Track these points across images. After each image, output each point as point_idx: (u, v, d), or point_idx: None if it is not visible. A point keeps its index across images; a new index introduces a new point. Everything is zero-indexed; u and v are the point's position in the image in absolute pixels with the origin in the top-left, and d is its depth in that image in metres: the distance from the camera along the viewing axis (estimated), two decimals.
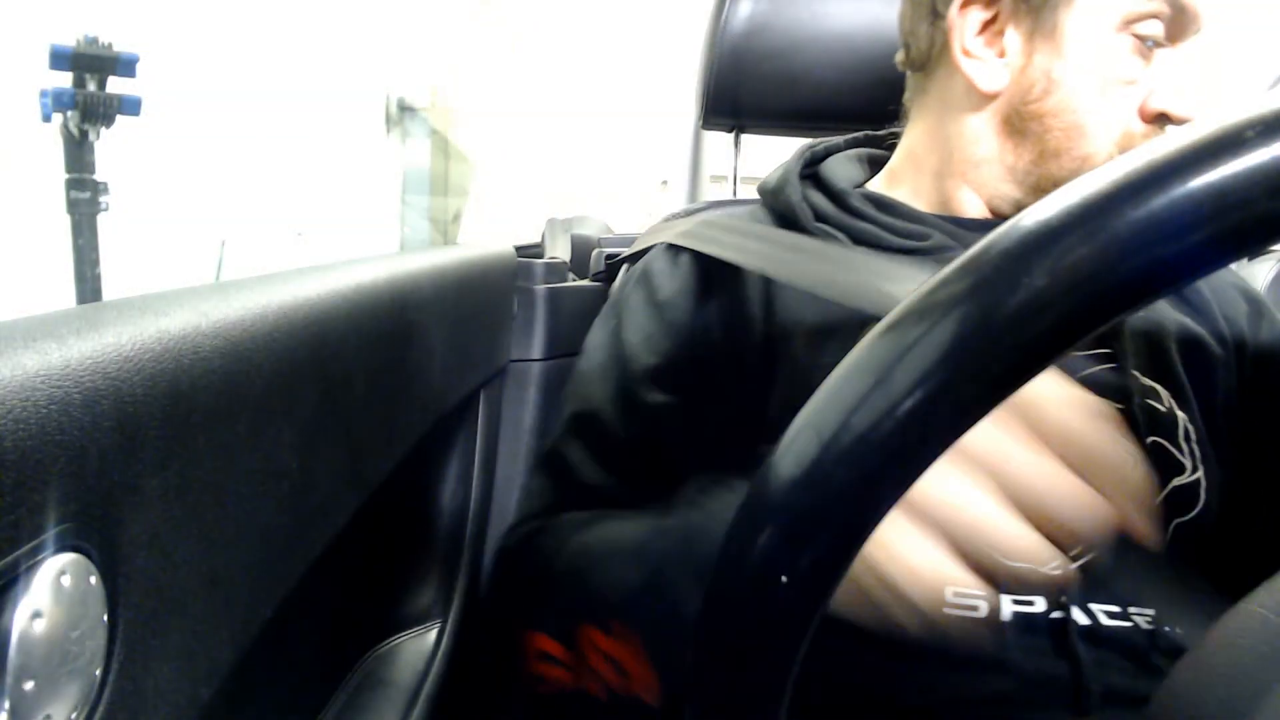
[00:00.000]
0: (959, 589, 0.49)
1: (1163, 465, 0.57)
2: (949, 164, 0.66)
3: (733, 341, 0.64)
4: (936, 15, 0.64)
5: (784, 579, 0.24)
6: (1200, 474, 0.58)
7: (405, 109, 2.84)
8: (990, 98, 0.62)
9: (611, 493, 0.65)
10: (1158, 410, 0.59)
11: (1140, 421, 0.57)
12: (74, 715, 0.27)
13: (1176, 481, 0.57)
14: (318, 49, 2.39)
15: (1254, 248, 0.21)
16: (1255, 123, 0.20)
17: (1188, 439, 0.59)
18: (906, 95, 0.72)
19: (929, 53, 0.66)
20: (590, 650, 0.51)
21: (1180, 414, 0.59)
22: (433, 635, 0.73)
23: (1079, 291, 0.21)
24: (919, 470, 0.24)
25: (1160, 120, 0.58)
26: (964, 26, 0.62)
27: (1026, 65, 0.60)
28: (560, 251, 1.15)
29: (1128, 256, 0.20)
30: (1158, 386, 0.60)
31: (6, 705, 0.24)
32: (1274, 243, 0.21)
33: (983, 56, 0.62)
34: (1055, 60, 0.59)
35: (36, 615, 0.25)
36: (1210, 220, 0.20)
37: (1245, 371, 0.63)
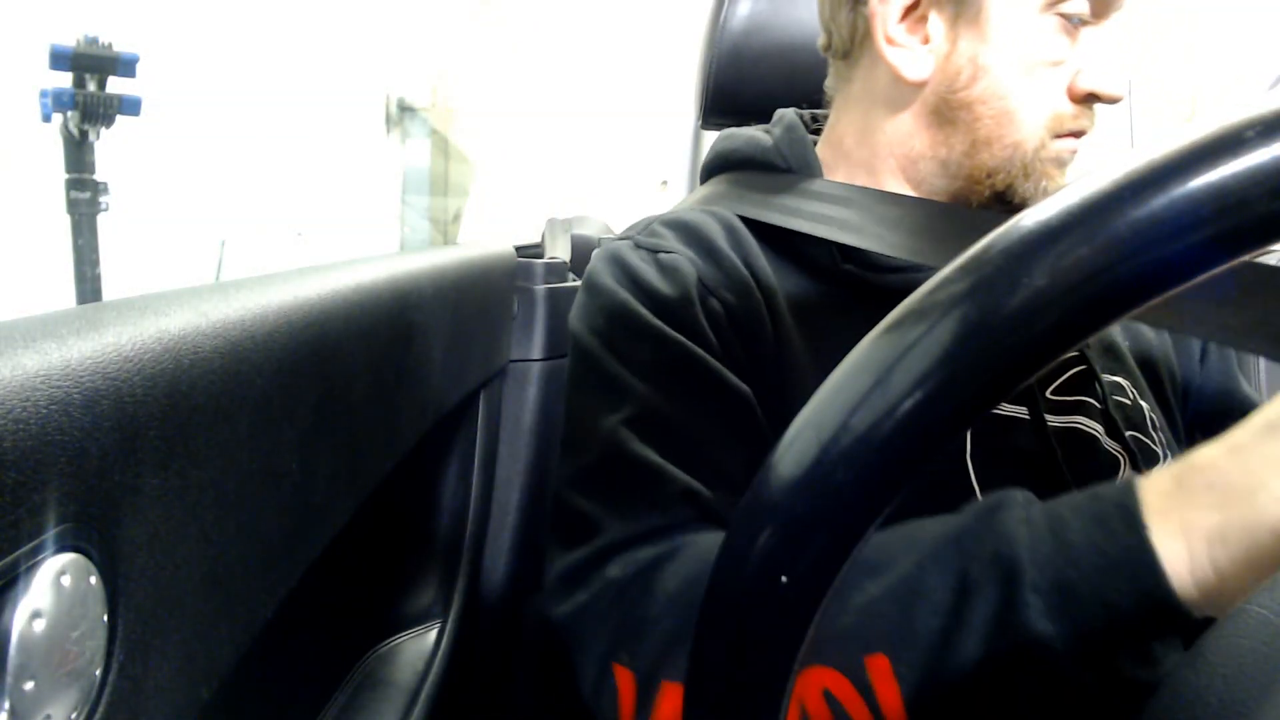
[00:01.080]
0: None
1: (1145, 458, 0.57)
2: (879, 158, 0.63)
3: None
4: (858, 1, 0.61)
5: (784, 579, 0.24)
6: (1170, 461, 0.58)
7: (405, 109, 2.84)
8: (916, 87, 0.60)
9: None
10: (1126, 405, 0.59)
11: (1118, 419, 0.57)
12: (74, 715, 0.27)
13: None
14: (318, 49, 2.39)
15: (1254, 248, 0.21)
16: (1255, 123, 0.20)
17: (1154, 427, 0.59)
18: (829, 82, 0.69)
19: (851, 40, 0.63)
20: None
21: (1143, 403, 0.59)
22: (433, 635, 0.73)
23: (1079, 292, 0.21)
24: (919, 470, 0.24)
25: (1089, 100, 0.56)
26: (886, 13, 0.59)
27: (951, 52, 0.58)
28: (560, 251, 1.15)
29: (1128, 257, 0.20)
30: (1120, 380, 0.60)
31: (6, 705, 0.24)
32: (1274, 243, 0.21)
33: (906, 44, 0.59)
34: (980, 45, 0.57)
35: (36, 615, 0.25)
36: (1210, 220, 0.20)
37: (1179, 354, 0.64)
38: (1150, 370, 0.62)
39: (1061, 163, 0.58)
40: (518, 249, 0.92)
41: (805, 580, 0.24)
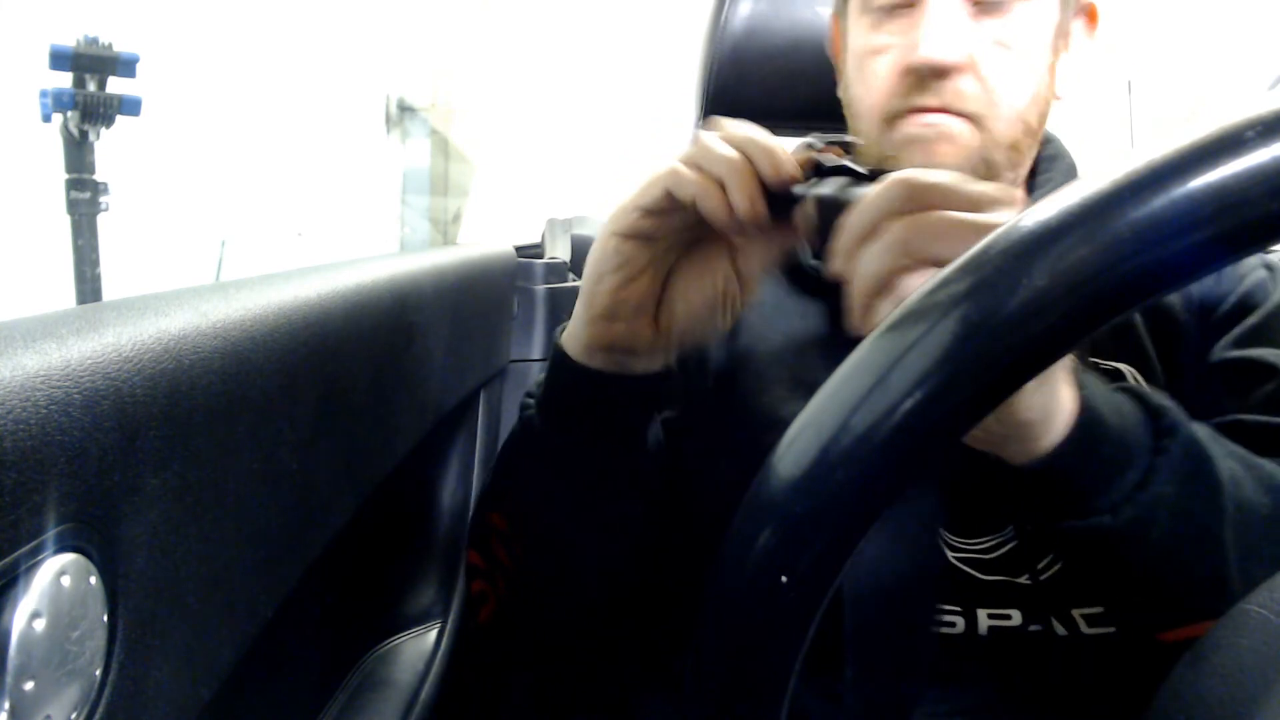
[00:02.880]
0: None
1: None
2: None
3: None
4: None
5: (784, 579, 0.24)
6: None
7: (405, 109, 2.84)
8: None
9: None
10: None
11: None
12: (74, 715, 0.27)
13: None
14: (318, 49, 2.39)
15: (1254, 248, 0.21)
16: (1255, 123, 0.20)
17: None
18: None
19: None
20: None
21: (1128, 369, 0.58)
22: (433, 635, 0.73)
23: (1080, 292, 0.21)
24: (918, 471, 0.24)
25: (910, 73, 0.55)
26: (830, 37, 0.67)
27: (842, 67, 0.63)
28: (560, 251, 1.15)
29: (1128, 257, 0.20)
30: (1121, 366, 0.58)
31: (6, 705, 0.24)
32: (1274, 243, 0.21)
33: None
34: (843, 56, 0.62)
35: (36, 615, 0.25)
36: (1211, 220, 0.20)
37: (1210, 336, 0.59)
38: (1171, 346, 0.59)
39: (913, 140, 0.56)
40: (518, 249, 0.92)
41: (805, 580, 0.24)
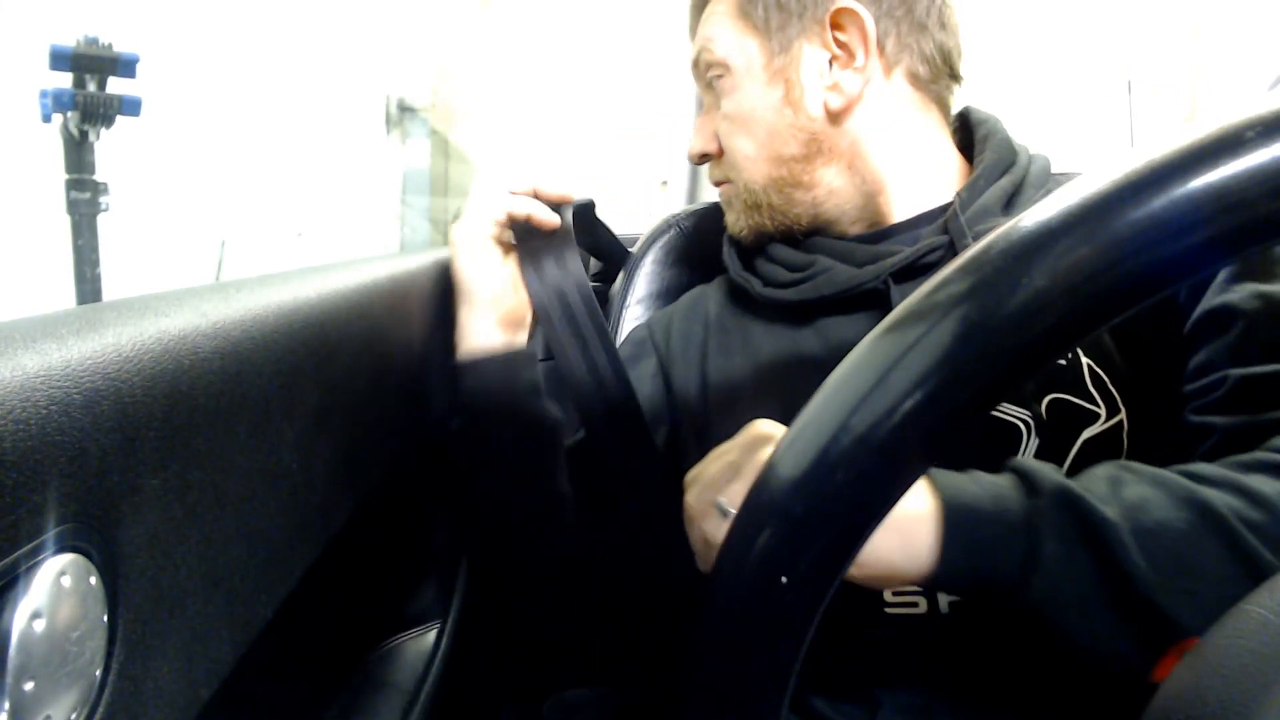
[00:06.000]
0: (897, 588, 0.52)
1: (1068, 419, 0.56)
2: None
3: None
4: None
5: (784, 579, 0.24)
6: (1121, 417, 0.55)
7: (405, 109, 2.84)
8: None
9: None
10: (1056, 364, 0.56)
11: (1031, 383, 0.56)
12: (74, 715, 0.27)
13: (1089, 432, 0.55)
14: (319, 49, 2.39)
15: (1254, 248, 0.21)
16: (1255, 123, 0.20)
17: (1098, 384, 0.57)
18: None
19: None
20: None
21: (1085, 359, 0.57)
22: (433, 635, 0.73)
23: (1079, 292, 0.21)
24: (918, 471, 0.24)
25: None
26: None
27: None
28: None
29: (1128, 257, 0.20)
30: (1081, 358, 0.57)
31: (6, 705, 0.24)
32: (1274, 243, 0.21)
33: None
34: None
35: (36, 616, 0.25)
36: (1210, 221, 0.20)
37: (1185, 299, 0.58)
38: (1129, 329, 0.58)
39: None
40: None
41: (805, 580, 0.24)
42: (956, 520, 0.43)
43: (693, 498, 0.49)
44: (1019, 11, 2.63)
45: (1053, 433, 0.55)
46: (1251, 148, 0.20)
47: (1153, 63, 2.65)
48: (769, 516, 0.25)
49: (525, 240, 0.67)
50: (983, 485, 0.44)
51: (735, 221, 0.71)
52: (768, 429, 0.48)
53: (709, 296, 0.75)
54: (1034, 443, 0.56)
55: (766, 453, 0.43)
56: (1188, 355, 0.54)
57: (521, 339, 0.68)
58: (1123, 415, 0.56)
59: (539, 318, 0.67)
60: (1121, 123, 2.46)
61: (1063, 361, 0.57)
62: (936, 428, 0.23)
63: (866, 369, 0.23)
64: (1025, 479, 0.44)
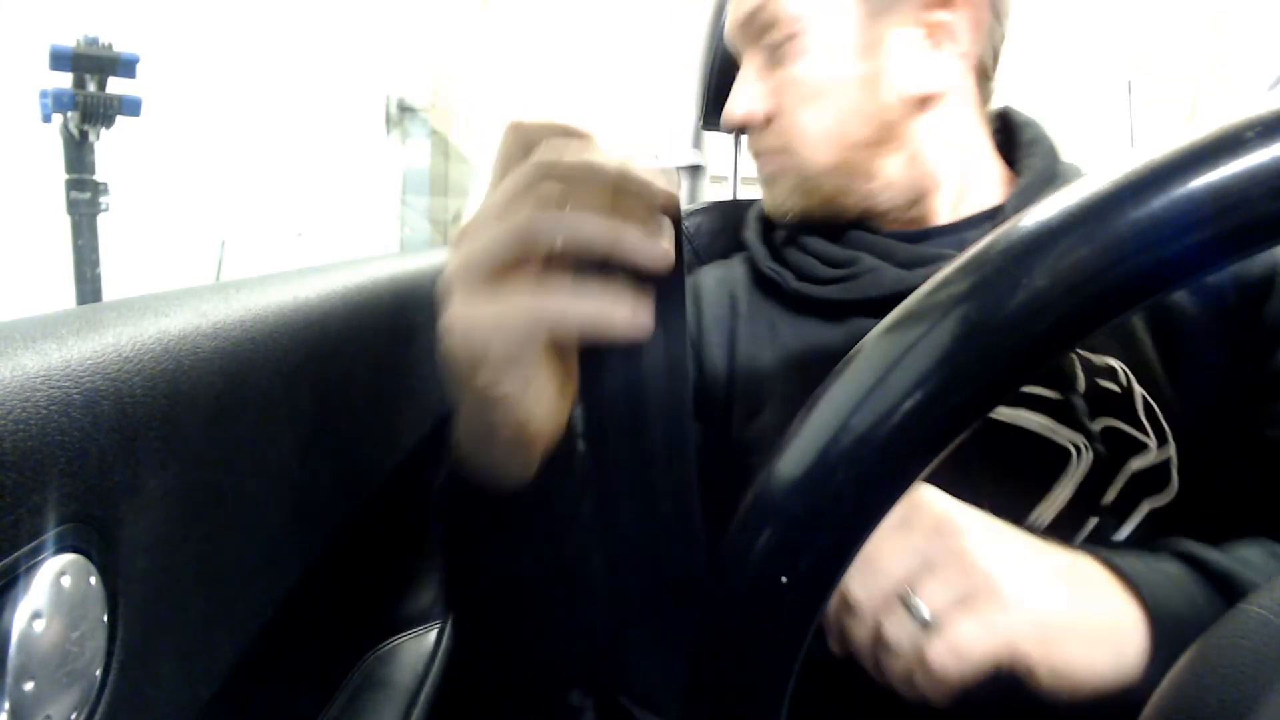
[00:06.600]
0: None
1: (1119, 447, 0.54)
2: None
3: None
4: None
5: (784, 579, 0.24)
6: (1171, 452, 0.54)
7: (405, 109, 2.84)
8: None
9: None
10: (1110, 390, 0.55)
11: (1080, 408, 0.54)
12: (74, 715, 0.27)
13: (1137, 463, 0.54)
14: (319, 50, 2.39)
15: (1254, 248, 0.21)
16: (1255, 123, 0.20)
17: (1150, 415, 0.55)
18: None
19: None
20: None
21: (1139, 389, 0.55)
22: (433, 635, 0.73)
23: (1080, 292, 0.21)
24: (918, 471, 0.24)
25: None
26: None
27: None
28: None
29: (1128, 257, 0.20)
30: (1113, 363, 0.56)
31: (6, 705, 0.24)
32: (1274, 243, 0.21)
33: None
34: None
35: (36, 616, 0.25)
36: (1211, 221, 0.20)
37: (1248, 339, 0.56)
38: (1176, 345, 0.57)
39: (756, 178, 0.68)
40: None
41: (805, 580, 0.24)
42: (1168, 631, 0.40)
43: (864, 588, 0.40)
44: (1019, 11, 2.63)
45: (1103, 460, 0.53)
46: (1251, 148, 0.20)
47: (1153, 63, 2.65)
48: (769, 516, 0.25)
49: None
50: (1183, 589, 0.42)
51: (779, 201, 0.65)
52: (948, 511, 0.42)
53: (733, 280, 0.69)
54: (1083, 469, 0.55)
55: (962, 542, 0.39)
56: (1263, 403, 0.53)
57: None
58: (1171, 449, 0.54)
59: (586, 440, 0.39)
60: (1121, 123, 2.46)
61: (1117, 389, 0.55)
62: (936, 428, 0.23)
63: (866, 369, 0.23)
64: (1223, 581, 0.42)
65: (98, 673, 0.28)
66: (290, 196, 2.32)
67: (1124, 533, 0.52)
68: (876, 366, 0.23)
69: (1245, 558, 0.43)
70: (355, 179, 2.66)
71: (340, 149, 2.57)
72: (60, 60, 1.33)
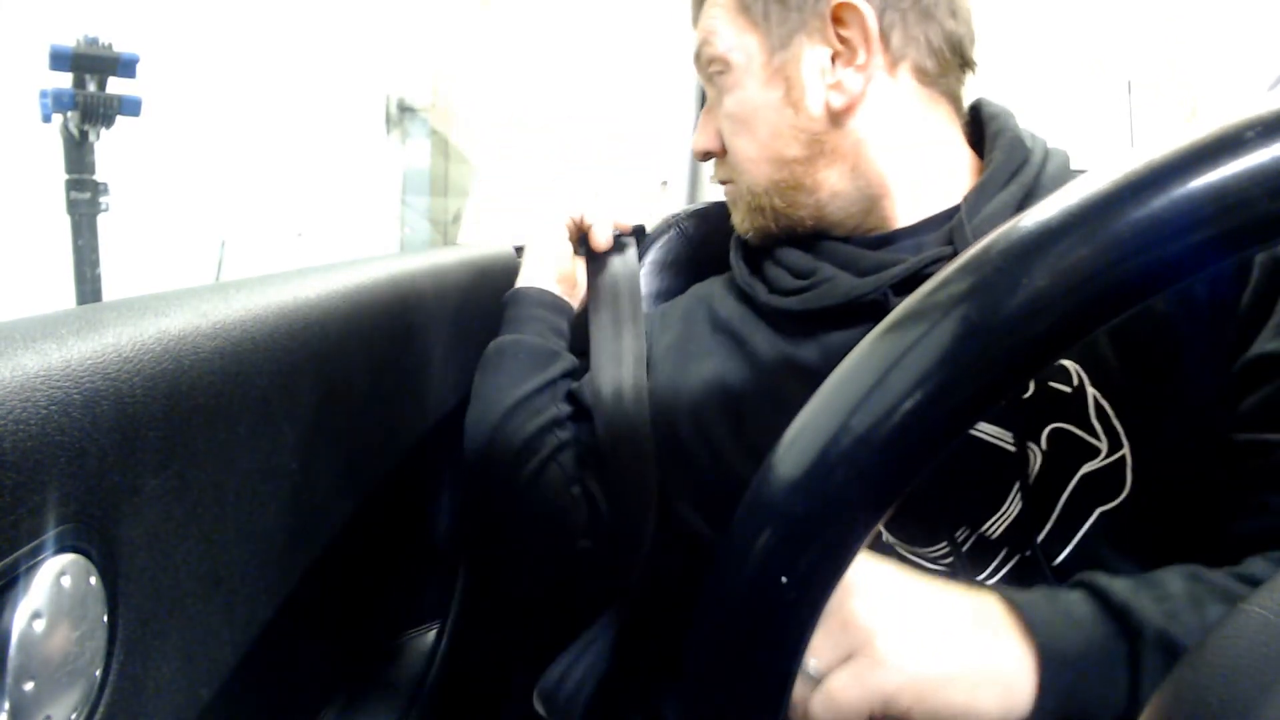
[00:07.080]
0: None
1: (1069, 451, 0.54)
2: None
3: None
4: None
5: (784, 579, 0.24)
6: (1125, 452, 0.53)
7: (405, 109, 2.84)
8: None
9: None
10: (1060, 391, 0.55)
11: (1029, 411, 0.54)
12: (74, 715, 0.27)
13: (1089, 466, 0.53)
14: (319, 50, 2.39)
15: (1254, 248, 0.21)
16: (1255, 123, 0.20)
17: (1101, 416, 0.54)
18: None
19: None
20: None
21: (1091, 390, 0.54)
22: (433, 635, 0.73)
23: (1079, 292, 0.21)
24: (918, 471, 0.24)
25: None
26: None
27: None
28: None
29: (1128, 257, 0.20)
30: (1065, 362, 0.55)
31: (6, 705, 0.24)
32: (1274, 243, 0.21)
33: None
34: None
35: (36, 616, 0.25)
36: (1211, 220, 0.20)
37: (1218, 333, 0.55)
38: (1135, 345, 0.56)
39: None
40: (517, 249, 0.92)
41: (805, 580, 0.24)
42: (1057, 672, 0.41)
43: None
44: (1019, 11, 2.63)
45: (1051, 464, 0.53)
46: (1251, 148, 0.20)
47: (1153, 63, 2.65)
48: (769, 516, 0.25)
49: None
50: (1080, 628, 0.42)
51: (740, 222, 0.71)
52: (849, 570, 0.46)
53: (716, 296, 0.74)
54: (1032, 474, 0.54)
55: (850, 601, 0.41)
56: (1233, 398, 0.52)
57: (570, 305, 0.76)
58: (1126, 450, 0.53)
59: (588, 295, 0.75)
60: (1121, 123, 2.46)
61: (1068, 389, 0.55)
62: (936, 428, 0.23)
63: (866, 369, 0.23)
64: (1122, 617, 0.42)
65: (98, 673, 0.28)
66: (290, 196, 2.33)
67: (1076, 538, 0.52)
68: (876, 366, 0.23)
69: (1162, 585, 0.43)
70: (355, 179, 2.66)
71: (340, 149, 2.57)
72: (60, 60, 1.33)
